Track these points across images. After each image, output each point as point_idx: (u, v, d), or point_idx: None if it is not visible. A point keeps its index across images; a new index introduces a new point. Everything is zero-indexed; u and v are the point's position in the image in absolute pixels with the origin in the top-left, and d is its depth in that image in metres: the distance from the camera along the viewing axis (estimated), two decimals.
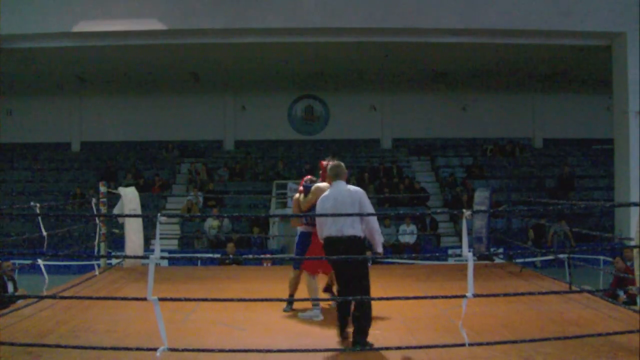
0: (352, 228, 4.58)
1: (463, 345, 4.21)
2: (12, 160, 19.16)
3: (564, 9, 12.28)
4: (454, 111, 19.74)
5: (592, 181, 17.96)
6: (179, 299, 4.59)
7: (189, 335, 4.88)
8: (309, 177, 5.99)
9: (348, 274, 4.61)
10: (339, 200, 4.67)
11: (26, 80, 16.93)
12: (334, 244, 4.62)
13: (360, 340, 4.48)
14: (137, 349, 4.24)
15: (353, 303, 4.63)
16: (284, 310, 5.79)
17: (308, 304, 5.73)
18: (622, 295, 7.50)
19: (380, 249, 4.82)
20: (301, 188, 5.84)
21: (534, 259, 12.54)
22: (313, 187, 5.62)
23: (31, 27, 12.10)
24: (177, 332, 4.82)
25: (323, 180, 5.64)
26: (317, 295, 5.54)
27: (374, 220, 4.69)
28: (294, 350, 4.36)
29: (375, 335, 4.70)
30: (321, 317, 5.49)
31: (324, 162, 5.57)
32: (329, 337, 4.92)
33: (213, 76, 17.55)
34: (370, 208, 4.73)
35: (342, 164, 4.97)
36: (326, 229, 4.66)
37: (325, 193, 4.88)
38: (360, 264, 4.60)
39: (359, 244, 4.63)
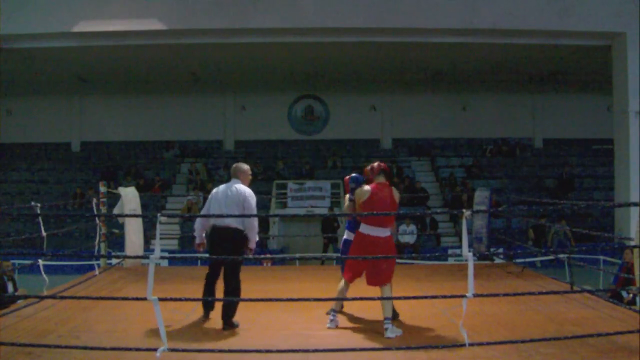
0: (235, 222, 5.27)
1: (463, 345, 4.21)
2: (12, 160, 19.16)
3: (563, 9, 12.27)
4: (454, 111, 19.75)
5: (592, 181, 17.96)
6: (179, 299, 4.60)
7: (189, 335, 4.88)
8: (355, 174, 5.80)
9: (229, 261, 5.28)
10: (229, 196, 5.36)
11: (26, 80, 16.92)
12: (221, 232, 5.28)
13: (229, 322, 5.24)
14: (137, 349, 4.24)
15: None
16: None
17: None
18: (627, 296, 7.47)
19: (252, 245, 5.39)
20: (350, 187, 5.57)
21: (534, 259, 12.54)
22: (357, 190, 5.34)
23: (31, 27, 12.09)
24: (177, 332, 4.82)
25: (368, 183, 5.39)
26: (341, 301, 5.28)
27: (253, 220, 5.35)
28: (294, 350, 4.36)
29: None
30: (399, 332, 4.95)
31: (368, 168, 5.50)
32: (329, 337, 4.92)
33: (213, 76, 17.54)
34: (252, 207, 5.36)
35: (240, 165, 5.59)
36: (214, 219, 5.31)
37: (219, 188, 5.46)
38: (237, 253, 5.33)
39: (242, 236, 5.32)
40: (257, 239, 5.47)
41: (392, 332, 4.89)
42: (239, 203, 5.34)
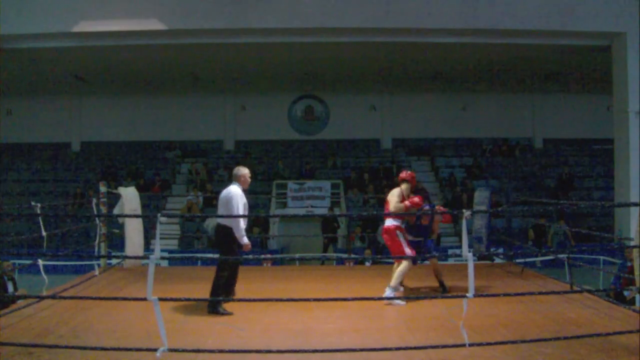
0: (223, 220, 6.02)
1: (463, 345, 4.21)
2: (12, 160, 19.16)
3: (564, 9, 12.27)
4: (454, 111, 19.75)
5: (592, 181, 17.97)
6: (179, 299, 4.60)
7: (189, 335, 4.88)
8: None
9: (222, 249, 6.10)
10: (222, 197, 6.07)
11: (26, 80, 16.92)
12: (217, 229, 6.11)
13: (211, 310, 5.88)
14: (137, 349, 4.24)
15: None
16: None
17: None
18: (628, 295, 7.48)
19: (243, 242, 5.92)
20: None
21: (534, 259, 12.54)
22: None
23: (31, 27, 12.09)
24: (177, 332, 4.82)
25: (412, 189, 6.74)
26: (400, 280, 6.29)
27: (232, 221, 5.90)
28: (294, 350, 4.36)
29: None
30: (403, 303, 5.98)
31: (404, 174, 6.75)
32: (329, 337, 4.93)
33: (213, 76, 17.54)
34: (232, 209, 5.90)
35: (237, 169, 6.24)
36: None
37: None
38: (228, 243, 5.98)
39: (229, 231, 5.89)
40: (244, 234, 5.92)
41: (391, 293, 6.06)
42: (225, 203, 5.98)
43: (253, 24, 12.37)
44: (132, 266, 8.57)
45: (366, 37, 12.87)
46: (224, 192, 6.07)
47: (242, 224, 5.93)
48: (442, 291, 6.75)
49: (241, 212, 5.95)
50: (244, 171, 6.24)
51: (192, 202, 15.72)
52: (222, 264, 5.97)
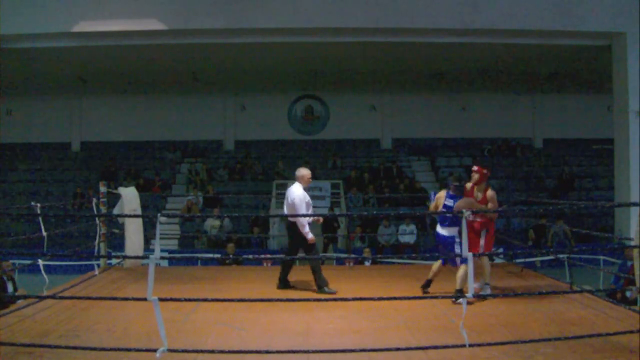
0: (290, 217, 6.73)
1: (463, 345, 4.21)
2: (12, 160, 19.15)
3: (564, 9, 12.27)
4: (454, 111, 19.76)
5: (592, 181, 17.97)
6: (179, 299, 4.60)
7: (189, 335, 4.88)
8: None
9: (297, 243, 6.80)
10: (287, 197, 6.77)
11: (26, 80, 16.92)
12: (288, 224, 6.84)
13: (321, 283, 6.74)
14: (137, 349, 4.24)
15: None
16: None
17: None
18: (630, 295, 7.47)
19: (307, 235, 6.60)
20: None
21: (534, 259, 12.54)
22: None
23: (31, 27, 12.09)
24: (177, 332, 4.82)
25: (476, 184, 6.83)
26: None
27: (297, 219, 6.55)
28: (294, 350, 4.36)
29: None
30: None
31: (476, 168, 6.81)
32: (329, 337, 4.93)
33: (213, 76, 17.54)
34: (297, 207, 6.61)
35: (300, 170, 6.86)
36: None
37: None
38: (300, 235, 6.68)
39: (296, 226, 6.64)
40: (308, 230, 6.59)
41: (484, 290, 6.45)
42: (288, 203, 6.73)
43: (253, 24, 12.37)
44: (132, 266, 8.57)
45: (366, 37, 12.86)
46: (288, 191, 6.78)
47: (305, 220, 6.54)
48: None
49: (304, 211, 6.57)
50: (304, 172, 6.82)
51: (192, 202, 15.71)
52: (308, 252, 6.70)
